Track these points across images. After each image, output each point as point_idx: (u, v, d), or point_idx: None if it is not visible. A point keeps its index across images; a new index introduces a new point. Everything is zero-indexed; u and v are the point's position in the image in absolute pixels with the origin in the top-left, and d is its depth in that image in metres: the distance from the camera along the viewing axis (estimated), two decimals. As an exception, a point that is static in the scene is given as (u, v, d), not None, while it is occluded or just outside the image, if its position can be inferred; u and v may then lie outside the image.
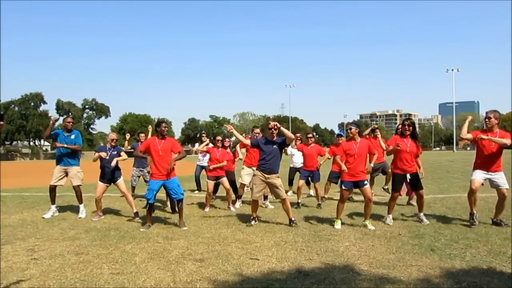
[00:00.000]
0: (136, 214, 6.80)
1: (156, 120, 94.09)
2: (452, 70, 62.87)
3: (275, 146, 6.17)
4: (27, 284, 3.65)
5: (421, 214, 6.11)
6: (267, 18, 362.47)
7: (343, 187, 5.96)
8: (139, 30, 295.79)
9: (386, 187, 8.78)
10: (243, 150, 8.20)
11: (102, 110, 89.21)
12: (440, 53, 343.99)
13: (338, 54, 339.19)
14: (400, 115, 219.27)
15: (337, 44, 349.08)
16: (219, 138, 7.87)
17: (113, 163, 6.83)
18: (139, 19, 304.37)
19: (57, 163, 7.23)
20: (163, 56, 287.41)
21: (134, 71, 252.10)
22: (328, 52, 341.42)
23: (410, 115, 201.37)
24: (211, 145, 8.72)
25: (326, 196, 8.74)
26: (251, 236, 5.37)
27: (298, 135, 8.69)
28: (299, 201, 7.99)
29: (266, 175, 6.16)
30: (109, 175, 6.92)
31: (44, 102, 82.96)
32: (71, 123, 7.34)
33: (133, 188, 9.24)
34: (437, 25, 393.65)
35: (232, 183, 8.25)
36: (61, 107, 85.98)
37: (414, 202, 7.26)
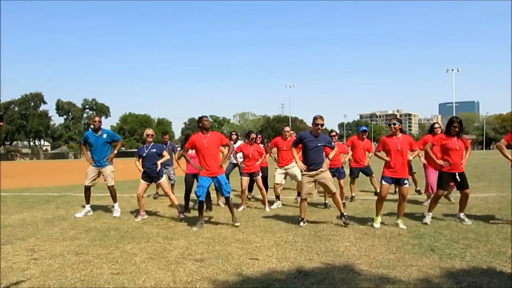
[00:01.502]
0: (181, 213, 6.77)
1: (156, 120, 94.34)
2: (452, 70, 62.73)
3: (320, 144, 6.04)
4: (27, 284, 3.65)
5: (462, 214, 6.03)
6: (267, 18, 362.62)
7: (383, 182, 5.88)
8: (139, 30, 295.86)
9: (418, 188, 8.84)
10: (274, 149, 8.16)
11: (102, 110, 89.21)
12: (440, 53, 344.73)
13: (338, 54, 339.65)
14: (400, 115, 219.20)
15: (337, 44, 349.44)
16: (253, 136, 7.86)
17: (158, 167, 6.82)
18: (139, 19, 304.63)
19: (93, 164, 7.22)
20: (164, 56, 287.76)
21: (134, 71, 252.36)
22: (328, 52, 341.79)
23: (410, 115, 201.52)
24: (240, 142, 8.66)
25: (353, 194, 8.65)
26: (251, 236, 5.36)
27: (333, 134, 8.36)
28: (326, 201, 7.83)
29: (312, 172, 6.04)
30: (151, 174, 6.83)
31: (44, 102, 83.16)
32: (99, 122, 7.31)
33: (158, 186, 9.29)
34: (437, 25, 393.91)
35: (264, 179, 8.13)
36: (61, 107, 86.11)
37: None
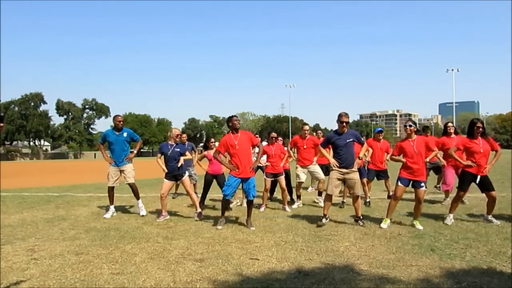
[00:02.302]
0: (199, 214, 6.71)
1: (156, 120, 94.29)
2: (452, 70, 62.63)
3: (349, 140, 5.98)
4: (27, 284, 3.65)
5: (490, 216, 5.98)
6: (267, 18, 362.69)
7: (399, 183, 5.83)
8: (139, 30, 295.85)
9: (438, 185, 8.80)
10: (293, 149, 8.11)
11: (102, 110, 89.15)
12: (440, 53, 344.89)
13: (338, 54, 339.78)
14: (400, 115, 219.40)
15: (337, 44, 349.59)
16: (274, 135, 7.91)
17: (180, 162, 6.75)
18: (139, 19, 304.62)
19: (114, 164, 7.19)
20: (163, 56, 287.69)
21: (134, 71, 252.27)
22: (328, 52, 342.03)
23: (410, 115, 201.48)
24: (265, 143, 8.69)
25: (369, 195, 8.49)
26: (251, 236, 5.37)
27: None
28: (344, 200, 7.77)
29: (343, 170, 5.97)
30: (174, 172, 6.76)
31: (44, 102, 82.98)
32: (121, 122, 7.26)
33: (177, 186, 9.30)
34: (437, 25, 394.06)
35: (287, 180, 8.05)
36: (61, 107, 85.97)
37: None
